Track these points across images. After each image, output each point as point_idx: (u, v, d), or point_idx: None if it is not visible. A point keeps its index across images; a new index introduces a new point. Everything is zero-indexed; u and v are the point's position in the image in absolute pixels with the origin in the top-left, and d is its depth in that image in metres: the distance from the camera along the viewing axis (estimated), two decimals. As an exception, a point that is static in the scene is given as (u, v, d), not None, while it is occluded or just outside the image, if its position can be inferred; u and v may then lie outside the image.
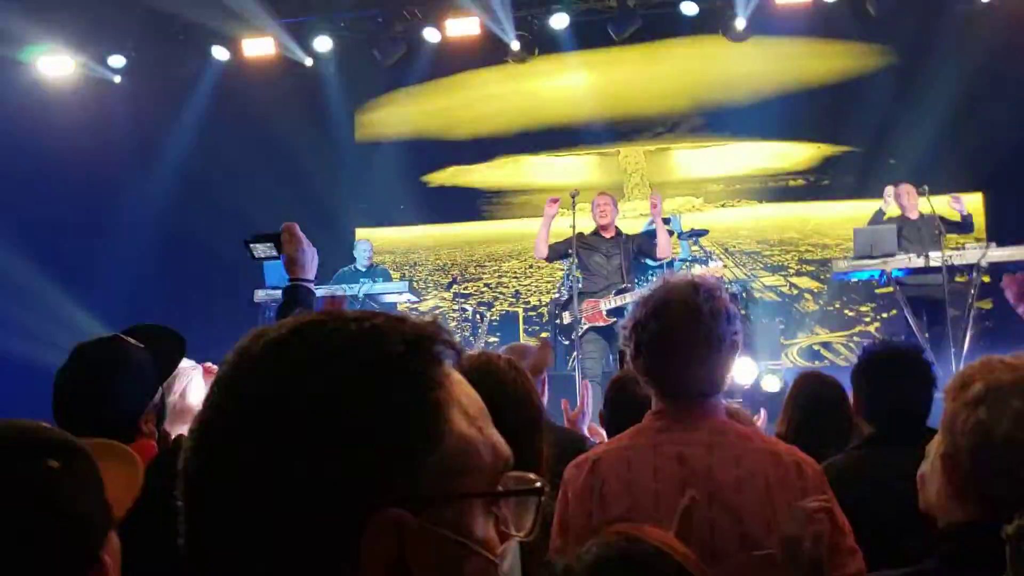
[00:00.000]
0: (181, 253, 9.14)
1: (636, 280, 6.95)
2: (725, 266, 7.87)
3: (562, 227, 6.85)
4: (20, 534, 0.97)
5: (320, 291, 6.69)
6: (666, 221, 8.03)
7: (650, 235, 6.85)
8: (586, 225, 6.86)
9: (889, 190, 7.51)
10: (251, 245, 2.10)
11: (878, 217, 7.55)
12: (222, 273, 7.85)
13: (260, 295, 7.37)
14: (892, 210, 7.48)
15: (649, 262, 7.15)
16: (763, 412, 3.49)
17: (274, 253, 2.06)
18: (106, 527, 1.06)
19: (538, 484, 0.74)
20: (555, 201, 6.62)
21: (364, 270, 8.13)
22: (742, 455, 1.76)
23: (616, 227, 6.74)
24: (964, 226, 7.22)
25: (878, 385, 2.28)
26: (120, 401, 1.78)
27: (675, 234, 7.90)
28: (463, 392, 0.73)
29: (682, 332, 1.77)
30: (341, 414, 0.66)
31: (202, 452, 0.70)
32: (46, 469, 1.01)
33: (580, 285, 6.69)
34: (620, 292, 6.48)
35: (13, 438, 1.05)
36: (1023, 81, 8.13)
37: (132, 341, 1.83)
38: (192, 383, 2.59)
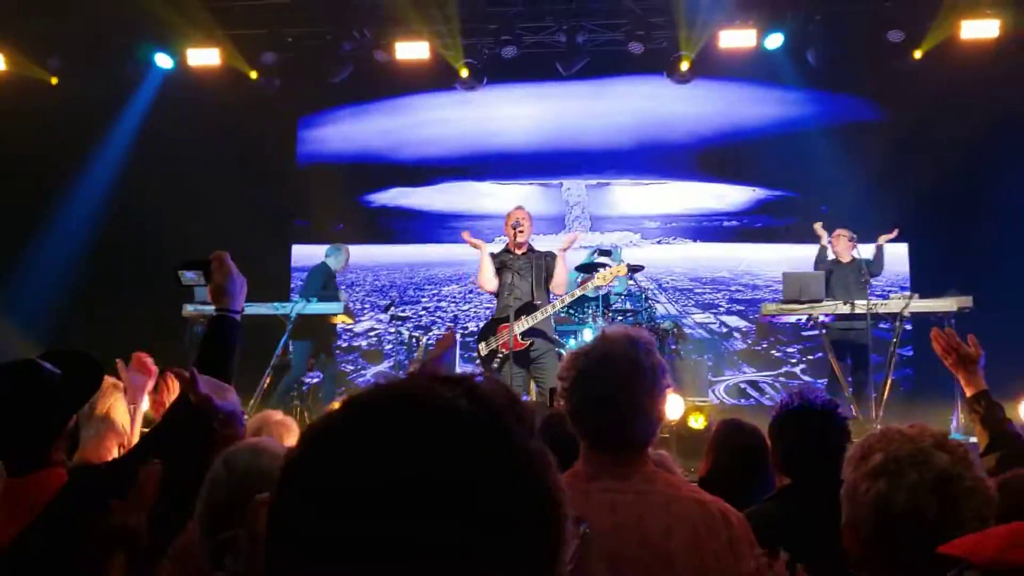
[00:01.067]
0: (110, 262, 8.89)
1: (549, 297, 6.15)
2: (631, 275, 7.58)
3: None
4: None
5: (252, 308, 6.59)
6: (607, 253, 8.15)
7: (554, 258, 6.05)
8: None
9: (819, 228, 7.68)
10: (180, 272, 2.08)
11: (823, 255, 7.67)
12: (150, 285, 7.65)
13: (188, 309, 7.22)
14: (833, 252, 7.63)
15: (588, 294, 6.90)
16: None
17: (202, 281, 2.04)
18: None
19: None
20: (476, 244, 6.12)
21: (337, 272, 8.25)
22: (671, 503, 1.81)
23: (528, 244, 6.11)
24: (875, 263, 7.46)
25: (792, 439, 2.35)
26: (30, 428, 1.72)
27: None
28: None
29: (625, 387, 1.81)
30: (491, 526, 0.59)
31: (307, 538, 0.59)
32: None
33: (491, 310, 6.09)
34: (530, 311, 5.84)
35: None
36: (950, 135, 8.38)
37: (47, 366, 1.77)
38: (117, 402, 2.54)
